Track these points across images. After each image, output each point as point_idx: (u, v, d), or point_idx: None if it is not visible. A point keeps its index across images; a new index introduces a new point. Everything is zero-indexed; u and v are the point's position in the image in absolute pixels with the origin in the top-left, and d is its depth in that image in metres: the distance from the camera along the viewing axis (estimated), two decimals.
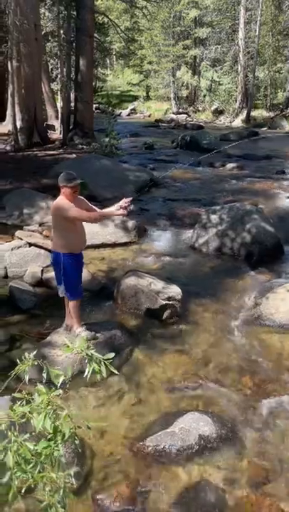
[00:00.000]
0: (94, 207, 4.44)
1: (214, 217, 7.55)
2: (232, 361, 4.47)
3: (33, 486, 1.70)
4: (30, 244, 6.89)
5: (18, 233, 7.32)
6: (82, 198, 4.40)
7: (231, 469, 3.19)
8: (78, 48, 16.26)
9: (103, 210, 4.48)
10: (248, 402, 3.87)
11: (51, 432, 1.53)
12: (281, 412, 3.76)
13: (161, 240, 7.87)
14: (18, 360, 1.97)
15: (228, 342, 4.84)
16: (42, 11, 17.23)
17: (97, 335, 4.49)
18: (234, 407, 3.80)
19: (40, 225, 8.08)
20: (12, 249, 6.66)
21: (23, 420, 1.62)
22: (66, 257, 4.18)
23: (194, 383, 4.12)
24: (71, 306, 4.42)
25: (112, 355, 1.79)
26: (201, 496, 2.97)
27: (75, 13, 16.20)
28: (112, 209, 4.37)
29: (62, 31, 17.01)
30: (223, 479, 3.10)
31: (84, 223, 4.36)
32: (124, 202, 4.31)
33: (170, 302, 5.27)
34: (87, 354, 1.72)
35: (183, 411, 3.64)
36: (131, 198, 4.39)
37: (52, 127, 18.40)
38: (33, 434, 1.65)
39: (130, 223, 7.84)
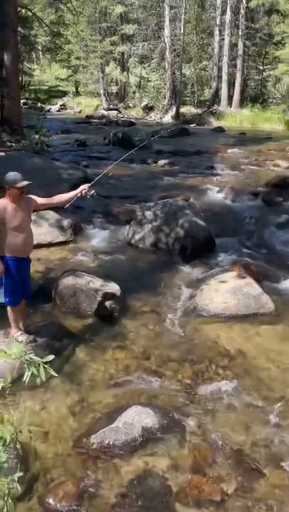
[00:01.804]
0: (45, 200, 4.42)
1: (149, 214, 7.70)
2: (171, 353, 4.62)
3: None
4: None
5: None
6: (31, 196, 4.32)
7: (174, 457, 3.32)
8: (1, 43, 15.64)
9: (65, 200, 4.50)
10: (188, 391, 4.04)
11: None
12: (218, 397, 3.96)
13: (98, 237, 7.88)
14: None
15: (166, 335, 4.99)
16: None
17: (37, 338, 4.45)
18: (175, 398, 3.95)
19: None
20: None
21: None
22: (9, 260, 4.10)
23: (136, 378, 4.21)
24: (9, 312, 4.33)
25: (50, 357, 1.81)
26: (146, 485, 3.07)
27: None
28: (73, 193, 4.46)
29: None
30: (166, 467, 3.22)
31: (32, 225, 4.31)
32: (82, 187, 4.43)
33: (109, 300, 5.33)
34: (25, 359, 1.73)
35: (126, 406, 3.72)
36: (89, 184, 4.48)
37: None
38: None
39: (65, 222, 7.77)
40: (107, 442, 3.36)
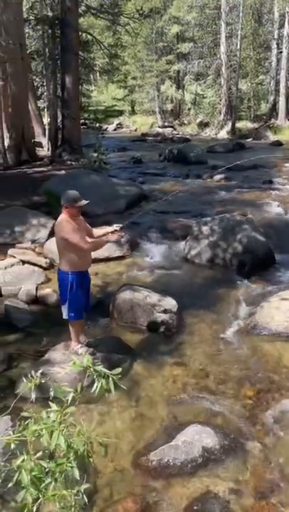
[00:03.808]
0: (89, 226, 4.50)
1: (205, 229, 7.63)
2: (231, 372, 4.50)
3: (43, 503, 1.71)
4: (24, 262, 6.89)
5: (10, 251, 7.32)
6: (81, 216, 4.44)
7: (236, 480, 3.20)
8: (64, 66, 16.43)
9: (98, 236, 4.48)
10: (249, 412, 3.89)
11: (65, 449, 1.54)
12: (282, 420, 3.78)
13: (154, 252, 7.91)
14: (23, 379, 1.98)
15: (225, 352, 4.87)
16: (26, 30, 17.41)
17: (95, 351, 4.50)
18: (235, 418, 3.82)
19: (33, 242, 8.08)
20: (5, 268, 6.66)
21: (34, 439, 1.63)
22: (73, 276, 4.18)
23: (194, 395, 4.13)
24: (72, 325, 4.41)
25: (118, 370, 1.81)
26: (206, 508, 2.97)
27: (59, 31, 16.43)
28: (105, 231, 4.44)
29: (47, 50, 17.21)
30: (228, 490, 3.10)
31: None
32: (113, 228, 4.42)
33: (166, 315, 5.30)
34: (95, 370, 1.74)
35: (185, 424, 3.65)
36: (121, 226, 4.49)
37: (39, 144, 18.48)
38: (45, 452, 1.66)
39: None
40: (166, 460, 3.30)
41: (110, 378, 1.73)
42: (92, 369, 1.75)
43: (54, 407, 1.68)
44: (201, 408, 3.95)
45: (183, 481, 3.18)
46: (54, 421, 1.57)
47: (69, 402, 1.73)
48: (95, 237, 4.51)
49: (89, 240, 4.20)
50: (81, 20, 21.04)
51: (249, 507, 2.99)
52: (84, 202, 4.13)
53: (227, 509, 2.96)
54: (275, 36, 28.60)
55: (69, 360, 3.86)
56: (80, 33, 17.80)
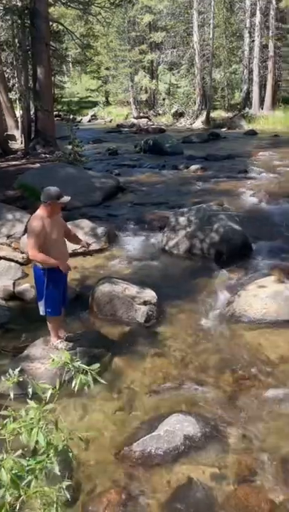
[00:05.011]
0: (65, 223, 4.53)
1: (182, 220, 7.66)
2: (211, 360, 4.55)
3: (26, 501, 1.70)
4: (0, 258, 6.78)
5: None
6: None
7: (218, 466, 3.25)
8: (35, 57, 16.10)
9: (74, 237, 4.64)
10: (230, 399, 3.96)
11: (44, 446, 1.53)
12: (262, 405, 3.86)
13: (132, 244, 7.90)
14: (1, 376, 1.96)
15: (205, 341, 4.93)
16: None
17: (75, 345, 4.48)
18: (216, 405, 3.87)
19: (8, 237, 7.95)
20: None
21: (13, 437, 1.61)
22: (48, 272, 4.13)
23: (176, 385, 4.17)
24: (49, 321, 4.37)
25: (97, 365, 1.80)
26: (190, 495, 3.02)
27: (29, 21, 16.06)
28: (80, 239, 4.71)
29: (17, 40, 16.81)
30: (210, 477, 3.16)
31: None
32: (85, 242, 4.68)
33: (146, 306, 5.32)
34: (73, 366, 1.73)
35: (167, 413, 3.68)
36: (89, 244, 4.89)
37: (12, 137, 18.14)
38: (25, 449, 1.65)
39: (100, 230, 7.84)
40: (148, 450, 3.34)
41: (89, 373, 1.73)
42: (70, 365, 1.74)
43: (32, 404, 1.66)
44: (182, 397, 4.00)
45: (166, 470, 3.21)
46: (32, 418, 1.56)
47: (48, 399, 1.72)
48: (71, 236, 4.54)
49: (40, 254, 3.99)
50: (51, 9, 20.62)
51: (231, 492, 3.05)
52: (67, 198, 4.08)
53: (209, 495, 3.01)
54: (247, 25, 28.69)
55: (49, 355, 3.83)
56: (50, 23, 17.44)
